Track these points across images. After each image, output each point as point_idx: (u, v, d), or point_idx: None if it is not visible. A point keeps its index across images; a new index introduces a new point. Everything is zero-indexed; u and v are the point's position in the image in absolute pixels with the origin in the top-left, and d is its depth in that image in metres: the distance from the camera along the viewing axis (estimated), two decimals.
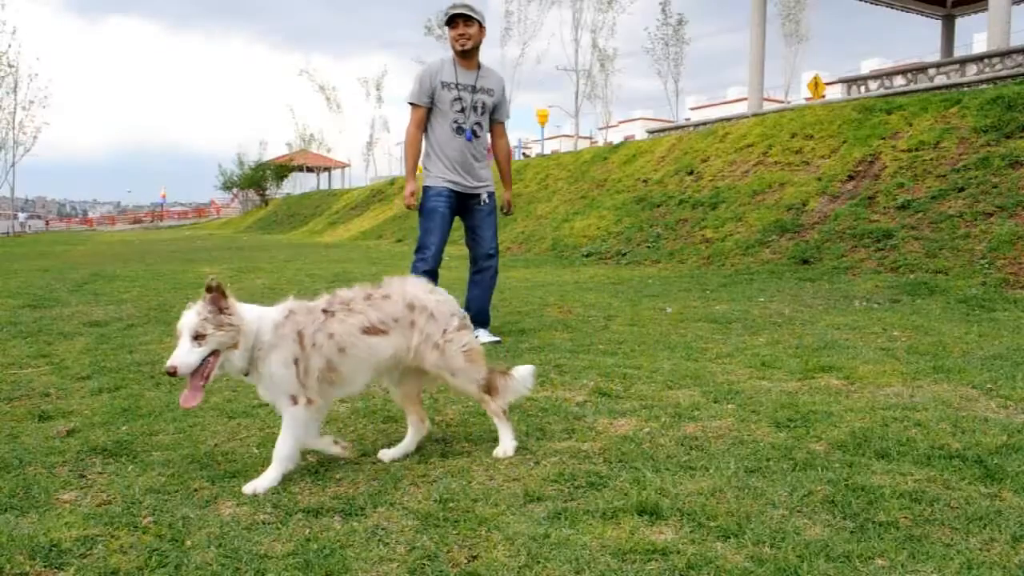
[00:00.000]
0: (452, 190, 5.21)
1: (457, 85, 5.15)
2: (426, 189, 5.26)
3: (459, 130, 5.17)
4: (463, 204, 5.31)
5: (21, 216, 50.86)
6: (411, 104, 5.23)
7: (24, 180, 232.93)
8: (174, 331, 2.54)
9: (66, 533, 2.14)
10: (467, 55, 5.14)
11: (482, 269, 5.37)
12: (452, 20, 5.09)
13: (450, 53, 5.24)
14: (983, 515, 2.22)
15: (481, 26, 5.12)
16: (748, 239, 9.85)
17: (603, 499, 2.40)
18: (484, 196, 5.33)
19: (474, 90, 5.18)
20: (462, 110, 5.17)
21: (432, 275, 5.02)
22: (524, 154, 38.20)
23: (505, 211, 5.67)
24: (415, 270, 5.10)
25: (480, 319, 5.21)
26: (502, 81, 5.43)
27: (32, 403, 3.60)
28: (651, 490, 2.44)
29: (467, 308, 4.89)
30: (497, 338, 5.21)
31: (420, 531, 2.19)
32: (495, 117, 5.36)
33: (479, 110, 5.23)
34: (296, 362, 2.58)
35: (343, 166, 55.96)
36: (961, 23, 20.99)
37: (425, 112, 5.21)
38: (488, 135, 5.40)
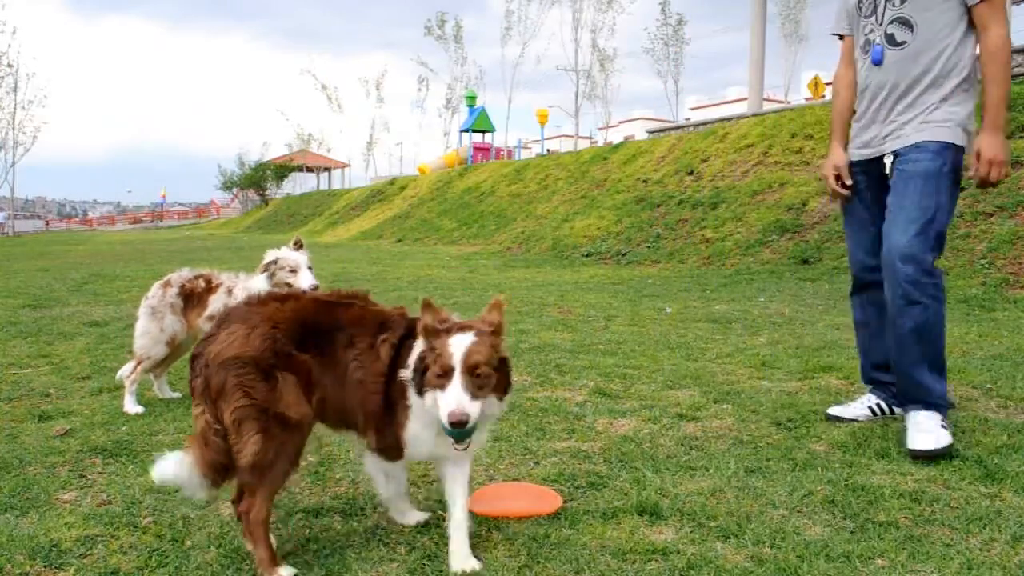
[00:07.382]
0: (860, 161, 3.21)
1: None
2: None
3: (865, 46, 3.11)
4: (881, 177, 3.13)
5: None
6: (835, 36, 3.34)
7: (24, 180, 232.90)
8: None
9: (66, 533, 2.14)
10: None
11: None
12: None
13: None
14: (983, 515, 2.21)
15: None
16: (748, 239, 9.85)
17: (603, 499, 2.40)
18: (891, 151, 3.03)
19: None
20: (872, 11, 3.06)
21: (867, 304, 3.32)
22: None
23: (977, 179, 3.00)
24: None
25: (906, 386, 3.00)
26: None
27: (32, 403, 3.60)
28: (651, 490, 2.44)
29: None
30: (945, 444, 2.73)
31: (420, 531, 2.19)
32: None
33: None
34: None
35: (343, 166, 55.97)
36: None
37: (853, 43, 3.23)
38: (935, 38, 2.91)
